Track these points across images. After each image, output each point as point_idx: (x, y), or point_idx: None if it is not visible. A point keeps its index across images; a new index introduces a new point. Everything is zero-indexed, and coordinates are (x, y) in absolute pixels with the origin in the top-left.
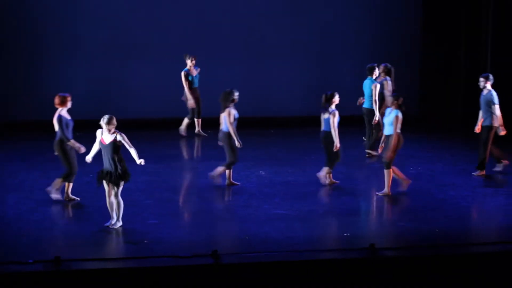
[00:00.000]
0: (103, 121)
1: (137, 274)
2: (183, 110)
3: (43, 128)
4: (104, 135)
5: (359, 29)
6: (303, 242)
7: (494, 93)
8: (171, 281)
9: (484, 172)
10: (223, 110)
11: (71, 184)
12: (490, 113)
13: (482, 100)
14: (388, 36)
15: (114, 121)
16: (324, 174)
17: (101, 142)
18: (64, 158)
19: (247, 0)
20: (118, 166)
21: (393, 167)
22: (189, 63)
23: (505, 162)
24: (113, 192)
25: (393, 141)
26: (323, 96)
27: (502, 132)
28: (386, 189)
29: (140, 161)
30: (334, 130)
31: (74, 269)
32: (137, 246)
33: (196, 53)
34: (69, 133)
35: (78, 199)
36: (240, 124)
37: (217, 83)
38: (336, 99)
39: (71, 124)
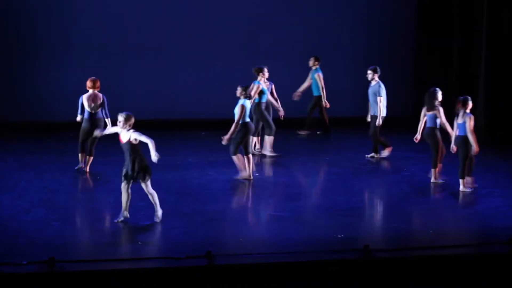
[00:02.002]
0: (120, 117)
1: (131, 276)
2: (181, 111)
3: (37, 129)
4: (122, 134)
5: (354, 31)
6: (297, 243)
7: (382, 85)
8: (165, 282)
9: (390, 148)
10: (430, 110)
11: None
12: (377, 104)
13: (370, 91)
14: (383, 37)
15: (132, 120)
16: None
17: (119, 141)
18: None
19: (242, 2)
20: (136, 165)
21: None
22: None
23: (390, 149)
24: (144, 187)
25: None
26: (459, 101)
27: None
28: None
29: (155, 157)
30: (472, 134)
31: (68, 270)
32: (131, 247)
33: (192, 54)
34: (84, 112)
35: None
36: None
37: (213, 85)
38: (470, 103)
39: (92, 104)
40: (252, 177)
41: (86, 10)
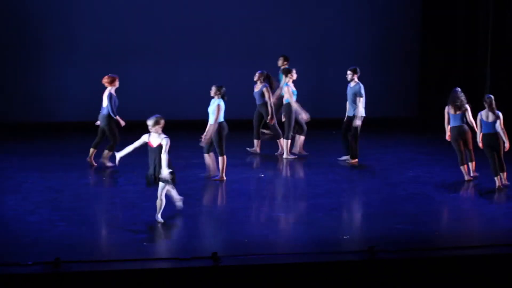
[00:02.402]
0: (149, 122)
1: (137, 276)
2: (184, 112)
3: (41, 129)
4: (152, 138)
5: (359, 31)
6: (303, 244)
7: (361, 86)
8: (171, 283)
9: (356, 161)
10: (456, 111)
11: (110, 152)
12: (356, 104)
13: (349, 92)
14: (388, 37)
15: (162, 122)
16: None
17: (148, 145)
18: (109, 131)
19: (246, 2)
20: (158, 169)
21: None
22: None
23: (355, 161)
24: (159, 189)
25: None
26: (487, 101)
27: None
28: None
29: (164, 174)
30: (505, 131)
31: (74, 271)
32: (136, 248)
33: (194, 54)
34: (115, 110)
35: (112, 164)
36: (240, 126)
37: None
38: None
39: (117, 102)
40: (224, 178)
41: (88, 10)
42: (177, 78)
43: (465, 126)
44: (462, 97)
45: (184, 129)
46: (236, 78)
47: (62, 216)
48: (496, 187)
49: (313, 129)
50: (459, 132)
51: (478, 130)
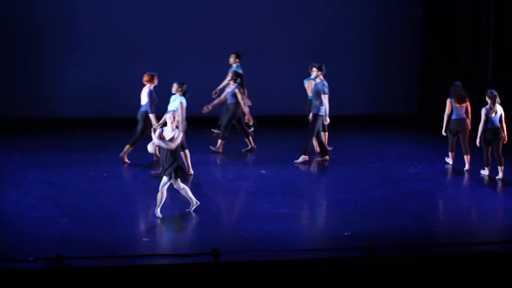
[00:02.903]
0: (169, 116)
1: (137, 273)
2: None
3: (43, 125)
4: (166, 132)
5: (359, 29)
6: (303, 240)
7: (326, 83)
8: (171, 279)
9: (307, 158)
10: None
11: (131, 148)
12: (320, 102)
13: (314, 89)
14: (389, 36)
15: (176, 118)
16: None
17: (160, 138)
18: (141, 127)
19: (246, 1)
20: (166, 163)
21: None
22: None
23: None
24: (175, 185)
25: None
26: (491, 96)
27: (328, 121)
28: None
29: (151, 143)
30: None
31: (75, 266)
32: (137, 244)
33: (194, 54)
34: (153, 108)
35: (129, 162)
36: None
37: (215, 83)
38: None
39: (156, 100)
40: (191, 172)
41: (89, 8)
42: (177, 76)
43: (467, 120)
44: (464, 91)
45: (196, 126)
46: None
47: (63, 212)
48: (486, 176)
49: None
50: (461, 124)
51: (482, 125)
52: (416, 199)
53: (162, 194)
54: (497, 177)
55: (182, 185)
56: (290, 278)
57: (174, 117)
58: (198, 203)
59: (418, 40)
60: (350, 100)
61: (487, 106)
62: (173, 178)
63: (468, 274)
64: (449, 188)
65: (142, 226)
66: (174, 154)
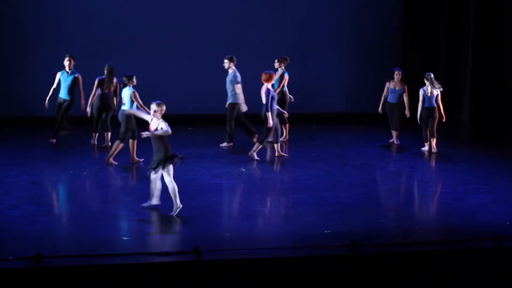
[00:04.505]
0: (154, 107)
1: (118, 271)
2: (168, 107)
3: (25, 125)
4: (152, 123)
5: (340, 24)
6: (284, 239)
7: (237, 74)
8: (152, 278)
9: (231, 144)
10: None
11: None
12: (234, 91)
13: (227, 80)
14: (370, 35)
15: (163, 107)
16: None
17: (148, 130)
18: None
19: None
20: (157, 155)
21: None
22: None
23: (256, 138)
24: (166, 178)
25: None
26: (429, 78)
27: (245, 109)
28: None
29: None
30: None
31: (56, 265)
32: (118, 243)
33: (184, 51)
34: (272, 105)
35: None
36: (222, 121)
37: (199, 80)
38: None
39: (276, 98)
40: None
41: (76, 5)
42: (162, 73)
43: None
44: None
45: (169, 124)
46: (220, 73)
47: (44, 211)
48: (426, 151)
49: (296, 123)
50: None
51: (420, 105)
52: (396, 196)
53: (154, 184)
54: (432, 151)
55: (172, 184)
56: (271, 276)
57: (158, 106)
58: (181, 206)
59: (399, 40)
60: (331, 97)
61: (424, 87)
62: (163, 168)
63: (449, 272)
64: (429, 186)
65: (122, 225)
66: (165, 144)
